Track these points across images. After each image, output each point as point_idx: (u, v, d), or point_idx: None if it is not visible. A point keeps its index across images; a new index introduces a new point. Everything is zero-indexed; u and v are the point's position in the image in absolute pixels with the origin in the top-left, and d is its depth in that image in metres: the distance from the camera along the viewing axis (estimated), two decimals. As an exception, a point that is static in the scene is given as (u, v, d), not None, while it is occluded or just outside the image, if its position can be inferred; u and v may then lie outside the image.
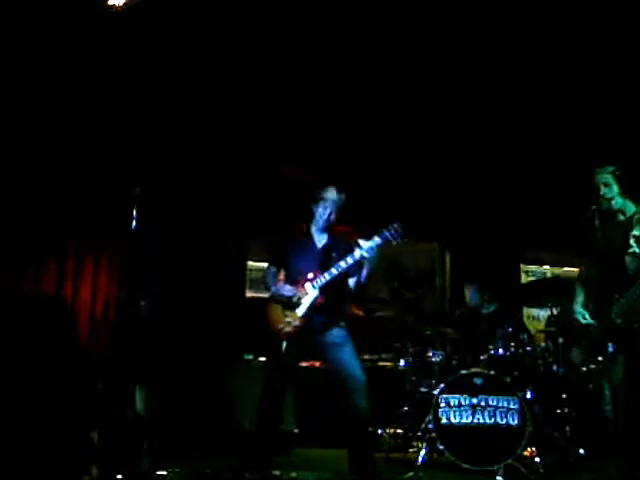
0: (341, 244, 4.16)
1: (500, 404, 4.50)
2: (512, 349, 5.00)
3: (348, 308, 6.78)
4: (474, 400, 4.56)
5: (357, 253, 3.92)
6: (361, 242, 3.94)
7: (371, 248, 3.90)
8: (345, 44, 5.37)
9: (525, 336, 5.14)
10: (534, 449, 4.57)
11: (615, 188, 3.86)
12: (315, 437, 5.59)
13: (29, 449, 3.43)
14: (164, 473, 4.14)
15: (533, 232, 7.39)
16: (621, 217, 3.88)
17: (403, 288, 5.71)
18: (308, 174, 6.46)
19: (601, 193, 3.85)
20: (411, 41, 5.42)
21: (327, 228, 4.21)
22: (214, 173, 6.43)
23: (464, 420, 4.54)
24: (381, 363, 6.26)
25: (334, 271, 3.98)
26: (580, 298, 4.01)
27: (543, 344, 5.25)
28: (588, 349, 3.84)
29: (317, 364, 5.83)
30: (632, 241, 3.76)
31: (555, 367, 4.98)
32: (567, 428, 4.77)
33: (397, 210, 6.70)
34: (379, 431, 5.54)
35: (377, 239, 3.91)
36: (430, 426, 4.68)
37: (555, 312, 5.16)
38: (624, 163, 3.93)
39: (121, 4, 4.69)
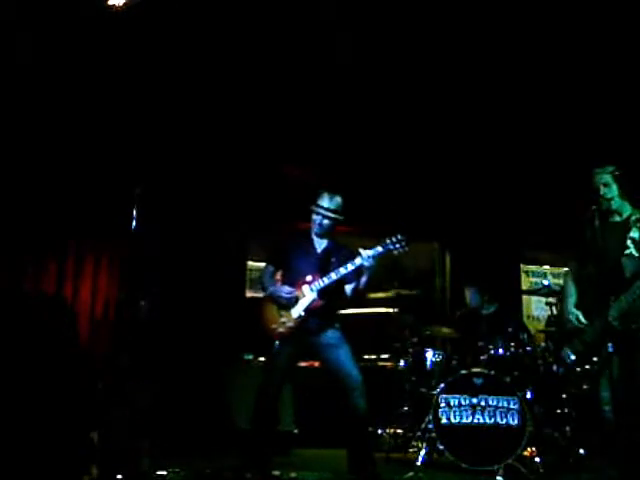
0: (342, 250, 4.17)
1: (500, 404, 4.50)
2: (512, 349, 5.01)
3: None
4: (474, 400, 4.56)
5: (357, 260, 3.93)
6: (362, 250, 3.93)
7: (372, 257, 3.90)
8: (345, 44, 5.37)
9: (525, 336, 5.15)
10: (534, 449, 4.57)
11: (615, 188, 3.85)
12: (314, 437, 5.59)
13: (29, 449, 3.43)
14: (164, 473, 4.14)
15: (533, 232, 7.39)
16: (617, 218, 3.87)
17: (403, 288, 5.71)
18: (308, 174, 6.46)
19: (601, 193, 3.85)
20: (412, 40, 5.41)
21: (324, 234, 4.21)
22: (214, 173, 6.44)
23: (464, 420, 4.55)
24: (381, 363, 6.27)
25: (333, 276, 3.99)
26: (572, 298, 3.98)
27: (543, 344, 5.25)
28: (582, 350, 3.82)
29: (316, 364, 5.82)
30: (629, 243, 3.76)
31: (555, 367, 4.98)
32: (567, 428, 4.78)
33: (397, 210, 6.75)
34: (379, 431, 5.54)
35: (379, 248, 3.92)
36: (430, 426, 4.68)
37: (555, 312, 5.16)
38: (624, 163, 3.93)
39: (121, 4, 4.69)
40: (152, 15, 4.96)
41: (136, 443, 4.03)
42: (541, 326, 6.84)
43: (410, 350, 5.52)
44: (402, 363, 5.59)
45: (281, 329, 4.01)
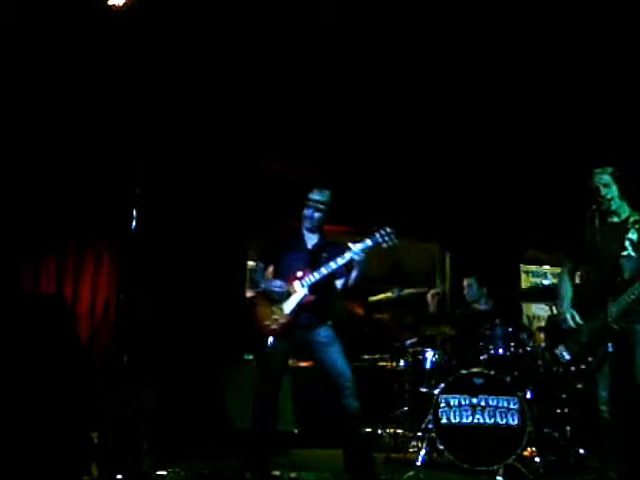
0: (332, 245, 4.19)
1: (500, 404, 4.50)
2: (512, 349, 5.01)
3: (349, 306, 6.82)
4: (474, 400, 4.56)
5: (347, 255, 3.94)
6: (351, 244, 3.95)
7: (361, 250, 3.92)
8: (342, 40, 5.37)
9: (525, 336, 5.15)
10: (534, 449, 4.58)
11: (615, 189, 3.85)
12: (314, 437, 5.59)
13: (29, 449, 3.43)
14: (164, 473, 4.15)
15: (533, 232, 7.40)
16: (616, 219, 3.87)
17: (403, 288, 5.71)
18: (309, 175, 6.46)
19: (602, 194, 3.84)
20: (412, 39, 5.41)
21: (315, 229, 4.24)
22: (214, 173, 6.44)
23: (464, 420, 4.55)
24: (381, 363, 6.26)
25: (323, 271, 4.00)
26: (568, 298, 3.95)
27: (543, 344, 5.25)
28: (577, 349, 3.81)
29: (316, 364, 5.83)
30: (627, 244, 3.76)
31: (555, 367, 4.98)
32: (567, 428, 4.78)
33: (397, 210, 6.75)
34: (379, 431, 5.55)
35: (368, 241, 3.94)
36: (430, 426, 4.68)
37: (555, 312, 5.16)
38: (623, 164, 3.93)
39: (121, 4, 4.69)
40: (152, 15, 4.98)
41: (136, 443, 4.03)
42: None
43: (410, 350, 5.53)
44: (402, 363, 5.60)
45: (274, 326, 4.00)
